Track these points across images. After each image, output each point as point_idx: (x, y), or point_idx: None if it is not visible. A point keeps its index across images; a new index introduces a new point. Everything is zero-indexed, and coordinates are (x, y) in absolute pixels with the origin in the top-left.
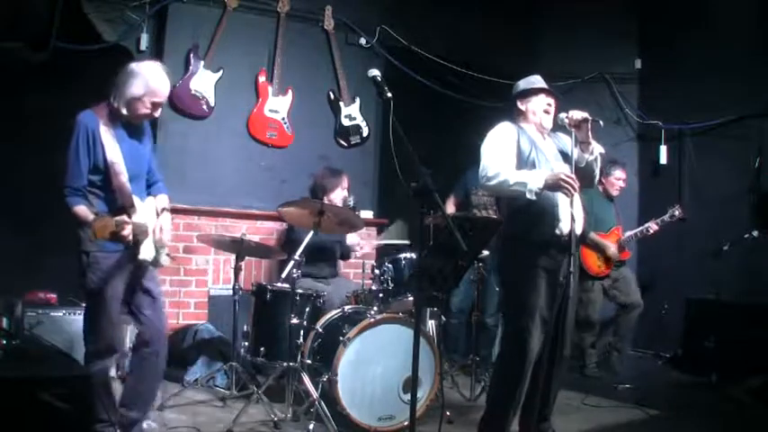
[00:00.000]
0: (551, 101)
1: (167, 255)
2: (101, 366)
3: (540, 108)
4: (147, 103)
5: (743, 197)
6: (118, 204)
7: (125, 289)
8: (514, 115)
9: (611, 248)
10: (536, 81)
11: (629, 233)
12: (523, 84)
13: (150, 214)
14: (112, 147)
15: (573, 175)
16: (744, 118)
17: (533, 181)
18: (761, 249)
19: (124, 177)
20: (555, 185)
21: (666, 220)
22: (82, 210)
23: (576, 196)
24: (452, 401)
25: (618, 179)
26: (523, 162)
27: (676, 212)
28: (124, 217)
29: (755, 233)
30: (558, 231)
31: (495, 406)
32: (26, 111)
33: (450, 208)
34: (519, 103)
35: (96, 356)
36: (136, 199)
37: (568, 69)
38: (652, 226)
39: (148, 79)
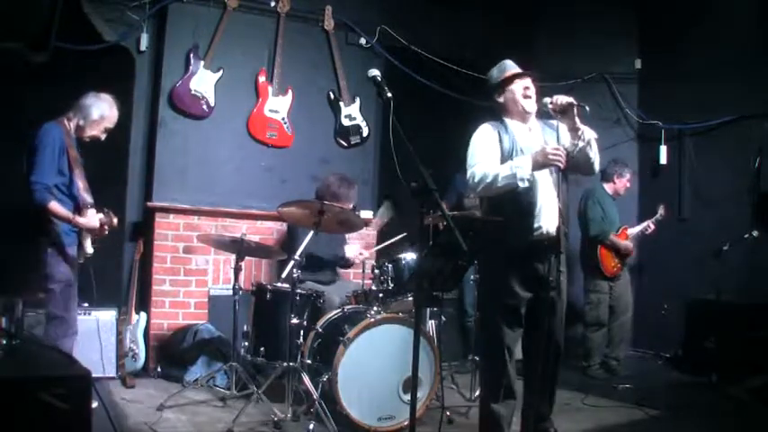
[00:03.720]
0: (528, 83)
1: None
2: (68, 348)
3: (518, 95)
4: (102, 126)
5: (743, 197)
6: (78, 204)
7: None
8: (496, 110)
9: (629, 246)
10: (507, 67)
11: (633, 231)
12: (496, 73)
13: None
14: (74, 156)
15: (558, 147)
16: (744, 118)
17: (521, 169)
18: (761, 249)
19: (82, 182)
20: (544, 164)
21: (659, 219)
22: (56, 206)
23: (554, 193)
24: (452, 401)
25: (629, 180)
26: (507, 159)
27: (661, 212)
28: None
29: (755, 233)
30: (536, 232)
31: (485, 404)
32: (26, 111)
33: None
34: (497, 97)
35: (64, 338)
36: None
37: (568, 69)
38: (650, 225)
39: (110, 107)
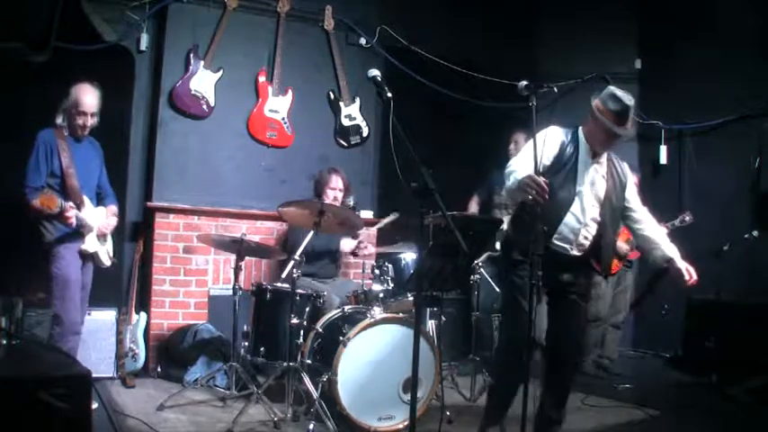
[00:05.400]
0: (615, 141)
1: (109, 257)
2: (68, 348)
3: (602, 134)
4: (76, 111)
5: (743, 197)
6: (75, 202)
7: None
8: (586, 114)
9: (624, 248)
10: (622, 109)
11: None
12: (610, 95)
13: (99, 217)
14: (66, 156)
15: (540, 180)
16: (744, 118)
17: (510, 182)
18: (761, 249)
19: (76, 181)
20: (520, 190)
21: (677, 225)
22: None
23: (595, 208)
24: (452, 401)
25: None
26: (556, 169)
27: (687, 218)
28: (72, 205)
29: (755, 233)
30: (556, 242)
31: (490, 397)
32: (26, 111)
33: (474, 207)
34: (594, 109)
35: (62, 338)
36: (86, 200)
37: (568, 69)
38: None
39: (76, 94)
